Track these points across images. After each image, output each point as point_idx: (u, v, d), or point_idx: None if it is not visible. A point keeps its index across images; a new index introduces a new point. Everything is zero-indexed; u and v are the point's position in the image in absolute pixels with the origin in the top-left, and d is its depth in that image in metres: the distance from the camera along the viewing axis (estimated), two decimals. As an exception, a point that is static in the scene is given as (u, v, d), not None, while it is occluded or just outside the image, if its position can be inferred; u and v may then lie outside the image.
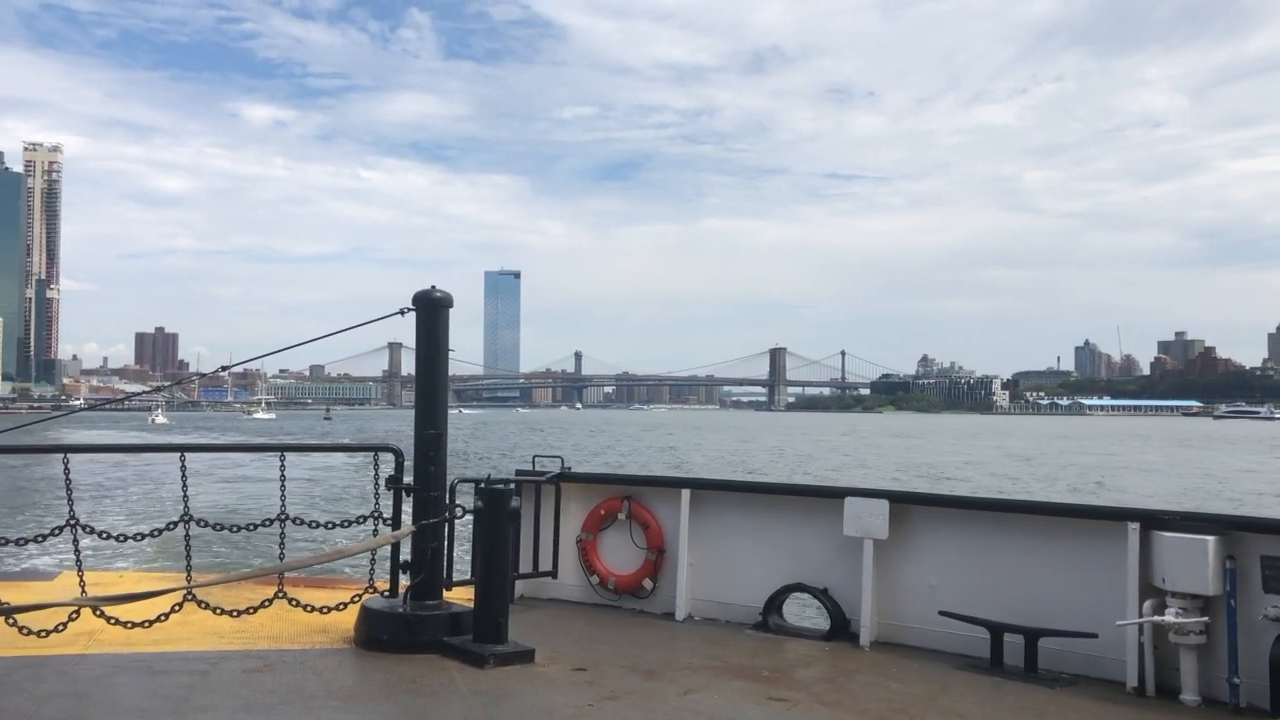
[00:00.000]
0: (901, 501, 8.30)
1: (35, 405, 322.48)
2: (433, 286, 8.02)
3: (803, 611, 10.51)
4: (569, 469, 9.78)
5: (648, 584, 9.26)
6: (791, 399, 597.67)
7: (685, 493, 9.18)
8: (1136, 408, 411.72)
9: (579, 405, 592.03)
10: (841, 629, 8.29)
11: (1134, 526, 7.05)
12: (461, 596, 8.15)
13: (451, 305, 8.11)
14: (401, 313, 8.03)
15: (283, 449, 8.21)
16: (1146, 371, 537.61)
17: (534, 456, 10.17)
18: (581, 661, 7.43)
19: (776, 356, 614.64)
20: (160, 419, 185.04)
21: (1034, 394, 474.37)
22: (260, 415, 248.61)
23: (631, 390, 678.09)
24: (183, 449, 8.00)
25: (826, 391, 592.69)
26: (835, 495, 8.46)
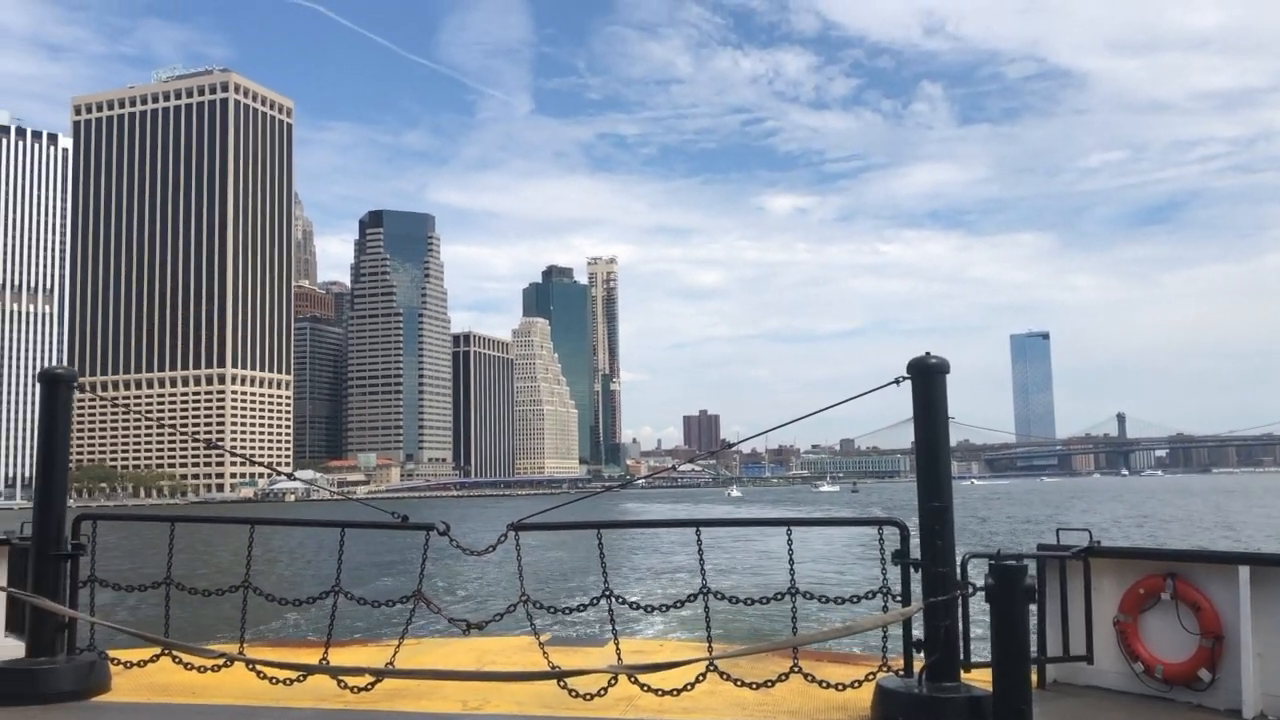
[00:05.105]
0: None
1: (606, 484, 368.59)
2: (927, 353, 7.82)
3: None
4: (1098, 542, 8.88)
5: (1205, 674, 8.02)
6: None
7: (1244, 570, 7.86)
8: None
9: (1124, 471, 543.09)
10: None
11: None
12: (982, 679, 7.67)
13: (948, 371, 7.82)
14: (897, 382, 7.89)
15: (789, 522, 8.36)
16: None
17: (1058, 529, 9.40)
18: None
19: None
20: (735, 493, 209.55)
21: None
22: (826, 488, 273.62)
23: (1189, 453, 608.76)
24: (698, 523, 8.47)
25: None
26: None
